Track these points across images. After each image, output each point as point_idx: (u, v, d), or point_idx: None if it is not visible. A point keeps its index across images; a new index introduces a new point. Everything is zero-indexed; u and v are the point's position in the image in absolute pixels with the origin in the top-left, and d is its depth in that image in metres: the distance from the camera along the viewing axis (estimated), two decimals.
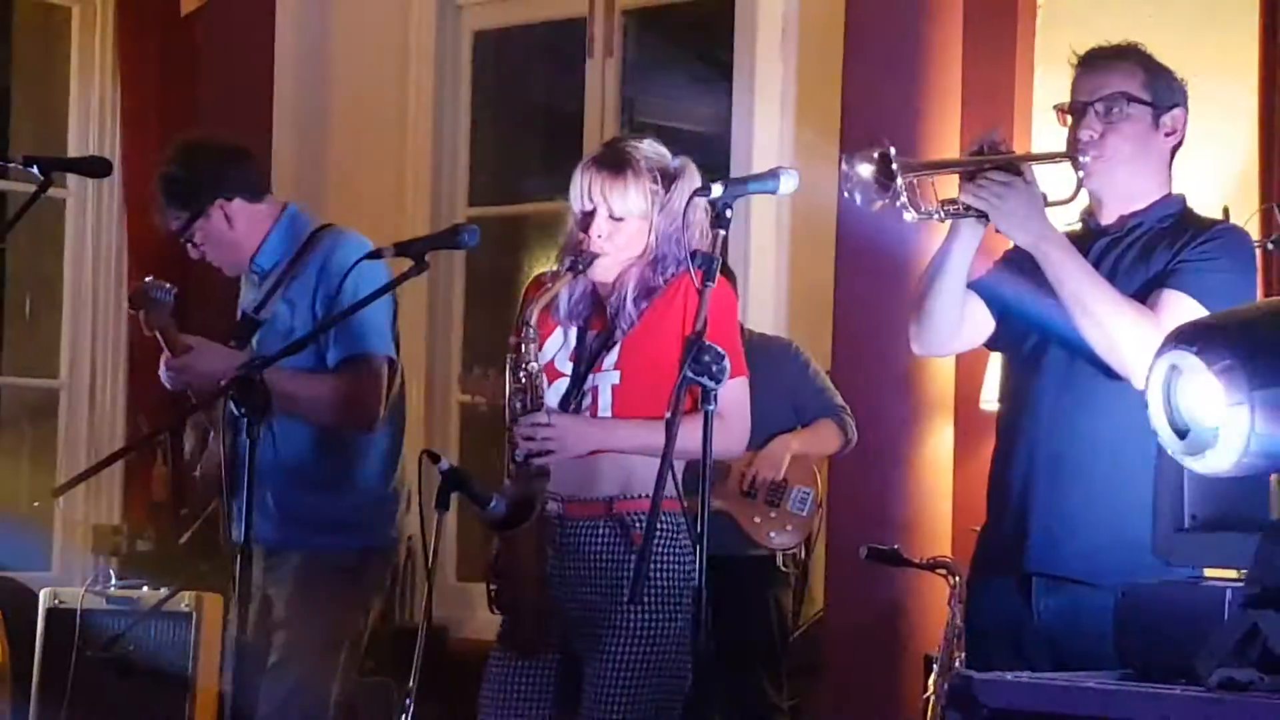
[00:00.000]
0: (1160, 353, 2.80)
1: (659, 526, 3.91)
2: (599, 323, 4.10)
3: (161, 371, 4.72)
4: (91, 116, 8.17)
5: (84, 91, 8.20)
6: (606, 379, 4.03)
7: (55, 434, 8.23)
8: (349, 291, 4.59)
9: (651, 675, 3.94)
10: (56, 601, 6.37)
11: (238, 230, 4.88)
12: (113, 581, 6.47)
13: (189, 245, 4.92)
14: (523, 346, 4.01)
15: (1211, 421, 2.72)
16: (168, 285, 4.75)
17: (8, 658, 6.61)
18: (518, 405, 4.00)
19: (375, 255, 4.69)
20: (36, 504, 8.33)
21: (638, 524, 3.92)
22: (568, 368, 4.08)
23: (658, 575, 3.95)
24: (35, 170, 4.20)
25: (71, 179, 8.02)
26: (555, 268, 4.11)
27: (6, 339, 8.60)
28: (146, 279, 4.81)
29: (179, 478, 8.04)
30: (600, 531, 4.01)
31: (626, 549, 3.97)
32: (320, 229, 4.87)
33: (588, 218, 4.03)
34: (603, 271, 4.06)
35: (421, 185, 8.01)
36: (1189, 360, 2.73)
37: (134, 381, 8.16)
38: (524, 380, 4.01)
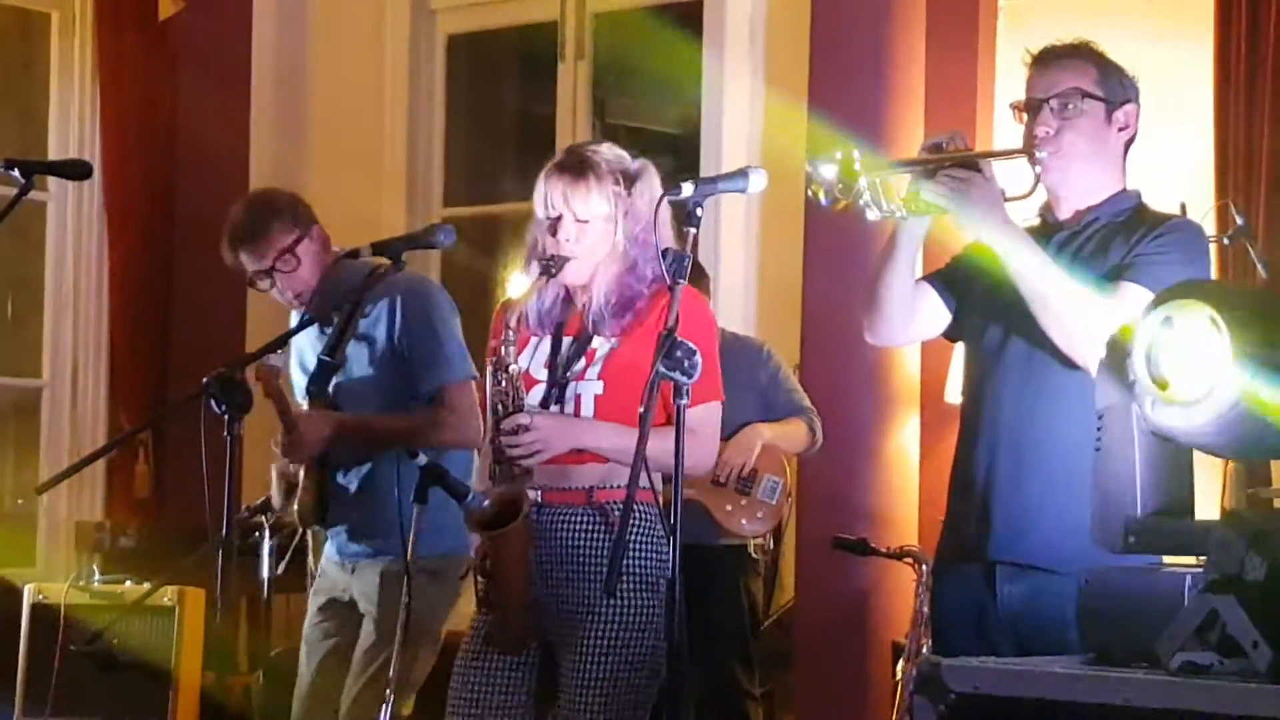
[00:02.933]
0: (1154, 306, 2.83)
1: (634, 517, 3.93)
2: (572, 328, 4.11)
3: (281, 450, 4.84)
4: (71, 120, 8.16)
5: (63, 95, 8.19)
6: (589, 388, 4.03)
7: (38, 432, 8.22)
8: (420, 318, 4.80)
9: (628, 663, 3.94)
10: (40, 597, 6.35)
11: (322, 261, 4.95)
12: (96, 577, 6.45)
13: (278, 275, 4.93)
14: (503, 349, 4.01)
15: (1203, 374, 2.74)
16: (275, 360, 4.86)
17: None
18: (500, 407, 4.01)
19: (353, 255, 4.73)
20: (20, 501, 8.32)
21: (616, 511, 3.93)
22: (543, 374, 4.08)
23: (634, 565, 3.96)
24: (16, 173, 4.19)
25: (52, 182, 8.01)
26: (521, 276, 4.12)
27: None
28: (267, 360, 4.89)
29: (160, 475, 8.04)
30: (579, 518, 4.02)
31: (605, 536, 3.98)
32: (380, 270, 4.87)
33: (555, 223, 4.04)
34: (574, 274, 4.07)
35: (397, 186, 8.02)
36: (1193, 313, 2.76)
37: (115, 380, 8.15)
38: (504, 383, 4.02)
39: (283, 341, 4.59)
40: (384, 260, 4.58)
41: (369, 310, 4.86)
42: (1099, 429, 3.01)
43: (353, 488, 4.93)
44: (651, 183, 4.06)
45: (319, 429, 4.84)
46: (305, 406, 4.92)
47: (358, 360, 4.91)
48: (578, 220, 4.04)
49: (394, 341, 4.87)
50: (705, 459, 4.10)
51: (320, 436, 4.83)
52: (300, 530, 5.17)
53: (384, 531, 4.84)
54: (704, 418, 3.98)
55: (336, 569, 5.03)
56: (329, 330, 4.92)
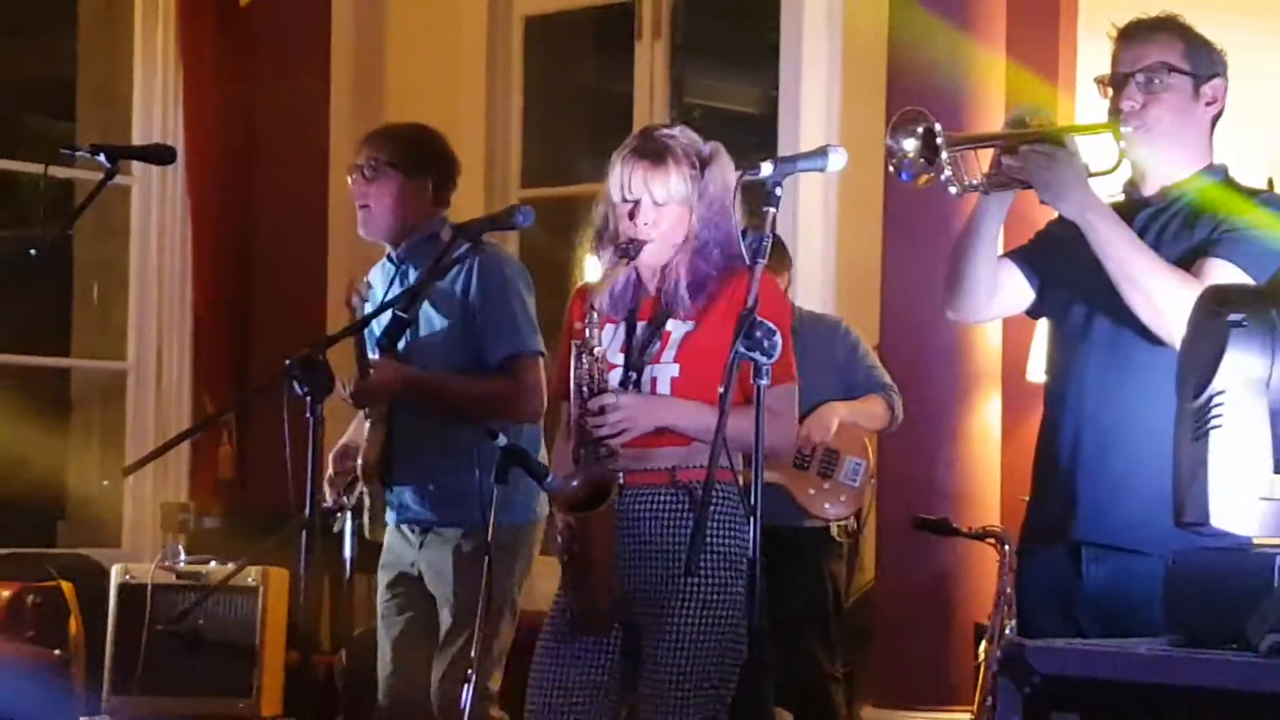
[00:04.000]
0: None
1: (715, 498, 3.91)
2: (647, 312, 4.11)
3: (348, 393, 4.81)
4: (154, 105, 8.20)
5: (147, 80, 8.23)
6: (665, 371, 4.04)
7: (123, 415, 8.27)
8: (496, 284, 4.80)
9: (711, 644, 3.94)
10: (127, 577, 6.41)
11: (409, 207, 4.99)
12: (181, 557, 6.50)
13: (361, 177, 5.00)
14: (588, 332, 4.02)
15: None
16: (372, 284, 4.93)
17: (82, 631, 6.66)
18: (584, 389, 4.02)
19: (432, 236, 4.74)
20: (106, 483, 8.38)
21: (699, 491, 3.92)
22: (619, 359, 4.09)
23: (715, 545, 3.95)
24: (103, 158, 4.21)
25: (137, 166, 8.05)
26: (595, 258, 4.12)
27: (75, 323, 8.65)
28: (364, 279, 4.96)
29: (243, 456, 8.08)
30: (662, 498, 4.02)
31: (687, 517, 3.97)
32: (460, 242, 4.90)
33: (633, 208, 4.04)
34: (651, 257, 4.07)
35: (475, 167, 8.01)
36: None
37: (198, 363, 8.20)
38: (588, 365, 4.03)
39: (379, 311, 4.58)
40: None
41: (447, 271, 4.85)
42: (1215, 405, 2.93)
43: (423, 449, 4.90)
44: (724, 165, 4.08)
45: (391, 377, 4.82)
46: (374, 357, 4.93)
47: (430, 319, 4.92)
48: (656, 204, 4.05)
49: (468, 304, 4.88)
50: (785, 440, 4.11)
51: (390, 386, 4.82)
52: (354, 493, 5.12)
53: (452, 500, 4.85)
54: (781, 398, 3.97)
55: (402, 543, 5.01)
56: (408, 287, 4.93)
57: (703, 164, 4.07)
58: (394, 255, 5.04)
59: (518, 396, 4.85)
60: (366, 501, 5.01)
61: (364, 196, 5.02)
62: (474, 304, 4.87)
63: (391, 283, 5.00)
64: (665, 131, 4.12)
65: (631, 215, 4.05)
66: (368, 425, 4.93)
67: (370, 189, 5.00)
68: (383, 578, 5.06)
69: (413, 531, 4.99)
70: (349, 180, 5.07)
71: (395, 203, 5.00)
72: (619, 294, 4.12)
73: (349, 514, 5.57)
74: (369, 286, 4.97)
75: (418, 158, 5.04)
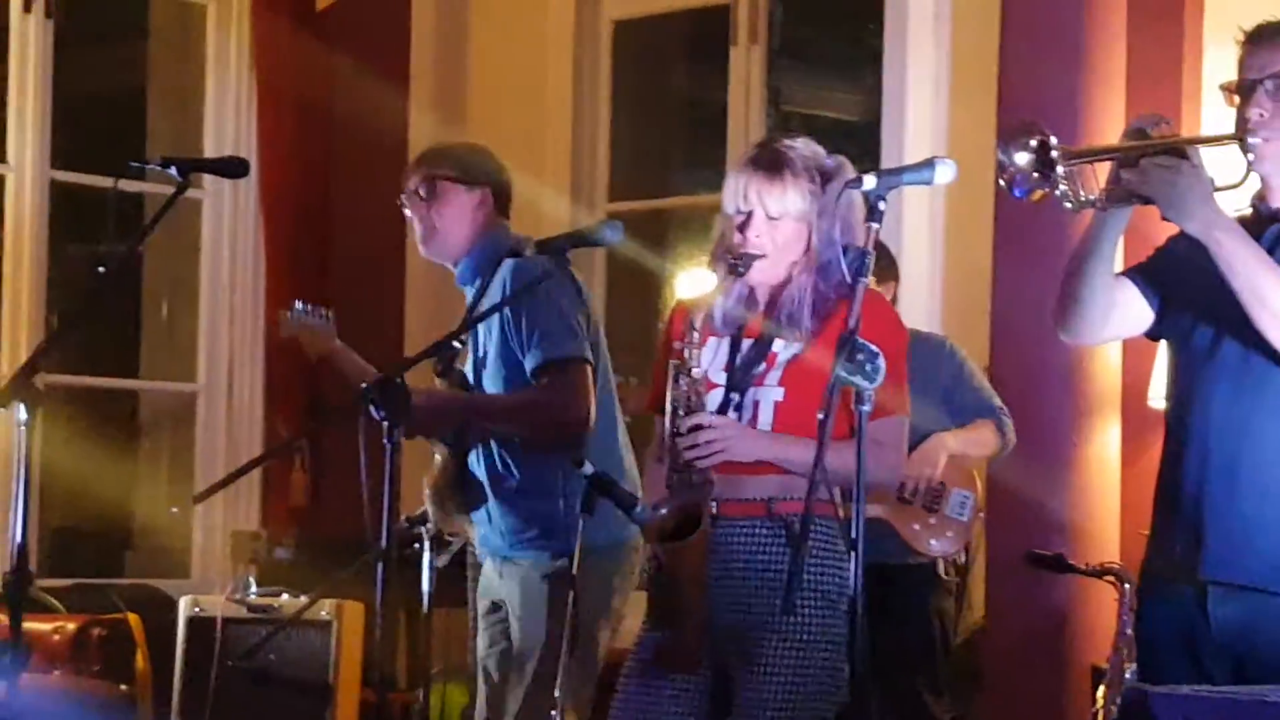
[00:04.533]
0: None
1: (814, 532, 3.89)
2: (754, 330, 4.10)
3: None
4: (227, 113, 8.27)
5: (220, 88, 8.30)
6: (769, 394, 4.03)
7: (193, 439, 8.33)
8: (525, 290, 4.73)
9: (809, 688, 3.92)
10: (197, 610, 6.45)
11: (472, 226, 5.03)
12: (252, 589, 6.53)
13: (417, 200, 5.05)
14: (686, 352, 4.03)
15: None
16: (323, 310, 4.90)
17: (149, 665, 6.71)
18: (679, 410, 4.01)
19: (514, 254, 4.75)
20: (175, 510, 8.44)
21: (798, 524, 3.89)
22: (721, 378, 4.08)
23: (814, 583, 3.94)
24: (173, 171, 4.24)
25: (208, 180, 8.10)
26: (695, 297, 4.11)
27: (144, 343, 8.73)
28: (294, 303, 4.96)
29: (317, 483, 8.12)
30: (758, 531, 4.01)
31: (784, 551, 3.96)
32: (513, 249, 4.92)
33: (745, 220, 4.04)
34: (762, 273, 4.07)
35: (560, 179, 8.03)
36: None
37: (271, 384, 8.25)
38: (685, 385, 4.03)
39: (457, 334, 4.60)
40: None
41: (490, 289, 4.87)
42: None
43: (496, 473, 4.92)
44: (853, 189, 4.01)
45: (420, 404, 4.72)
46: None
47: (486, 339, 4.94)
48: (769, 217, 4.05)
49: (503, 317, 4.88)
50: (891, 475, 4.10)
51: (419, 415, 4.71)
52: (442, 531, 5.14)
53: (529, 527, 4.87)
54: (890, 432, 3.97)
55: (491, 569, 5.04)
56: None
57: (825, 179, 4.06)
58: (459, 276, 5.05)
59: (554, 404, 4.81)
60: (444, 531, 5.03)
61: (424, 219, 5.04)
62: (507, 316, 4.87)
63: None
64: (786, 142, 4.12)
65: (743, 228, 4.05)
66: (437, 456, 4.96)
67: (430, 209, 5.03)
68: (481, 607, 5.08)
69: (494, 561, 5.00)
70: (404, 209, 5.09)
71: (456, 218, 5.02)
72: (730, 309, 4.11)
73: (428, 544, 5.59)
74: (307, 310, 4.99)
75: (474, 168, 5.07)
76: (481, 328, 4.92)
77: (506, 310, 4.83)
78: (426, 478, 5.02)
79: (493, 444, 4.91)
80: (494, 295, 4.82)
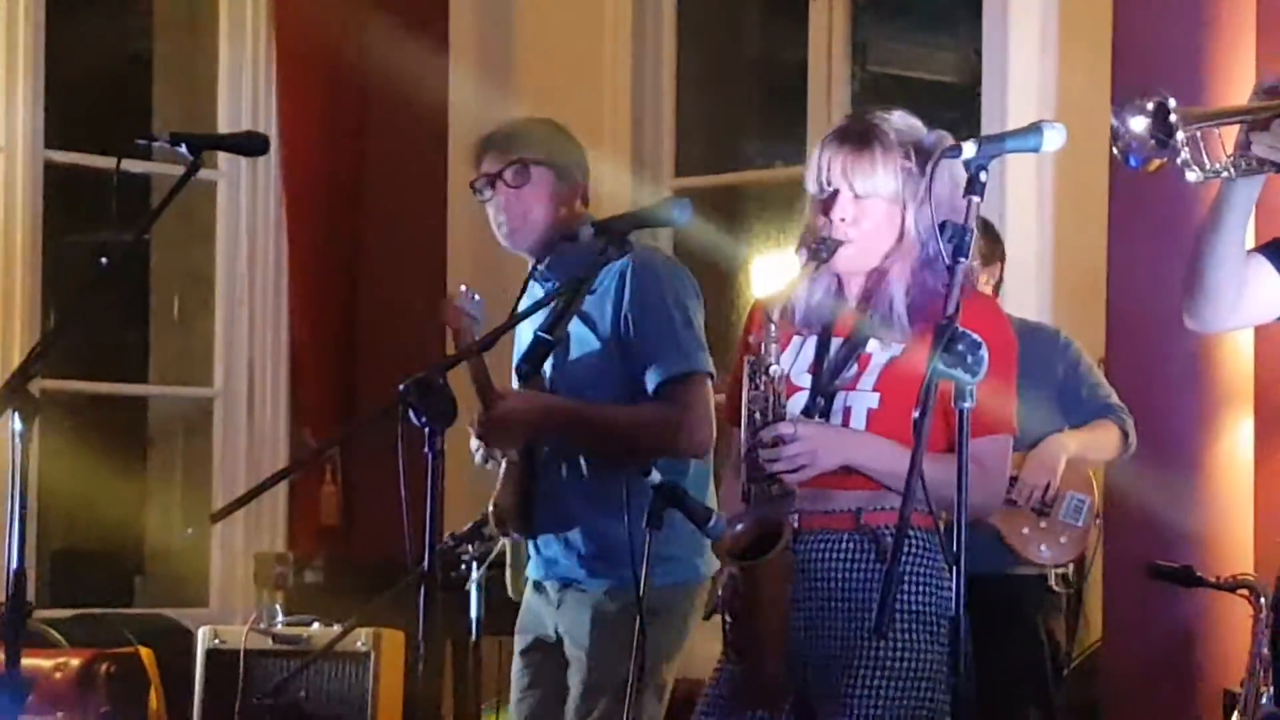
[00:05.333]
0: None
1: (909, 545, 3.91)
2: (844, 328, 4.11)
3: (477, 433, 4.91)
4: (244, 86, 8.30)
5: (234, 57, 8.34)
6: (862, 400, 4.03)
7: (210, 450, 8.38)
8: (654, 294, 4.82)
9: (903, 718, 3.93)
10: (217, 641, 6.50)
11: (556, 213, 5.05)
12: (279, 618, 6.58)
13: (502, 185, 5.07)
14: (764, 347, 4.02)
15: None
16: (478, 297, 4.97)
17: (164, 705, 6.77)
18: (756, 415, 4.02)
19: (569, 237, 4.79)
20: (191, 530, 8.51)
21: (889, 537, 3.92)
22: (806, 381, 4.09)
23: (909, 602, 3.95)
24: (184, 149, 4.27)
25: (223, 158, 8.16)
26: (779, 293, 4.12)
27: (154, 343, 8.79)
28: (462, 288, 4.99)
29: (349, 498, 8.18)
30: (845, 546, 4.02)
31: (875, 568, 3.97)
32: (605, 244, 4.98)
33: (829, 200, 4.05)
34: (848, 261, 4.07)
35: (621, 151, 8.05)
36: None
37: (297, 388, 8.29)
38: (763, 386, 4.02)
39: (512, 324, 4.64)
40: None
41: (598, 284, 4.90)
42: None
43: (569, 490, 4.96)
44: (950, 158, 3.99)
45: (526, 410, 4.89)
46: (515, 387, 4.99)
47: (579, 341, 4.96)
48: (856, 197, 4.04)
49: (620, 320, 4.91)
50: (990, 499, 4.09)
51: (526, 419, 4.88)
52: (497, 544, 5.20)
53: (605, 552, 4.89)
54: (991, 454, 3.96)
55: (540, 601, 5.06)
56: (552, 303, 4.99)
57: (921, 156, 4.05)
58: (539, 269, 5.08)
59: (681, 426, 4.86)
60: (508, 555, 5.07)
61: (509, 206, 5.07)
62: (626, 321, 4.90)
63: (522, 295, 5.06)
64: (878, 114, 4.11)
65: (827, 209, 4.05)
66: (503, 464, 4.99)
67: (517, 196, 5.07)
68: (518, 643, 5.12)
69: (553, 588, 5.04)
70: (479, 195, 5.12)
71: (551, 207, 5.06)
72: (815, 303, 4.12)
73: (475, 565, 5.64)
74: (477, 300, 5.01)
75: (565, 152, 5.11)
76: (574, 325, 4.90)
77: (627, 313, 4.87)
78: (493, 495, 5.05)
79: (580, 456, 4.95)
80: (606, 292, 4.88)
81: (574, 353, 4.96)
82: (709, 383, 4.91)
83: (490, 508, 5.01)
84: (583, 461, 4.94)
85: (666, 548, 4.68)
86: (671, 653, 4.97)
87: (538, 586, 5.07)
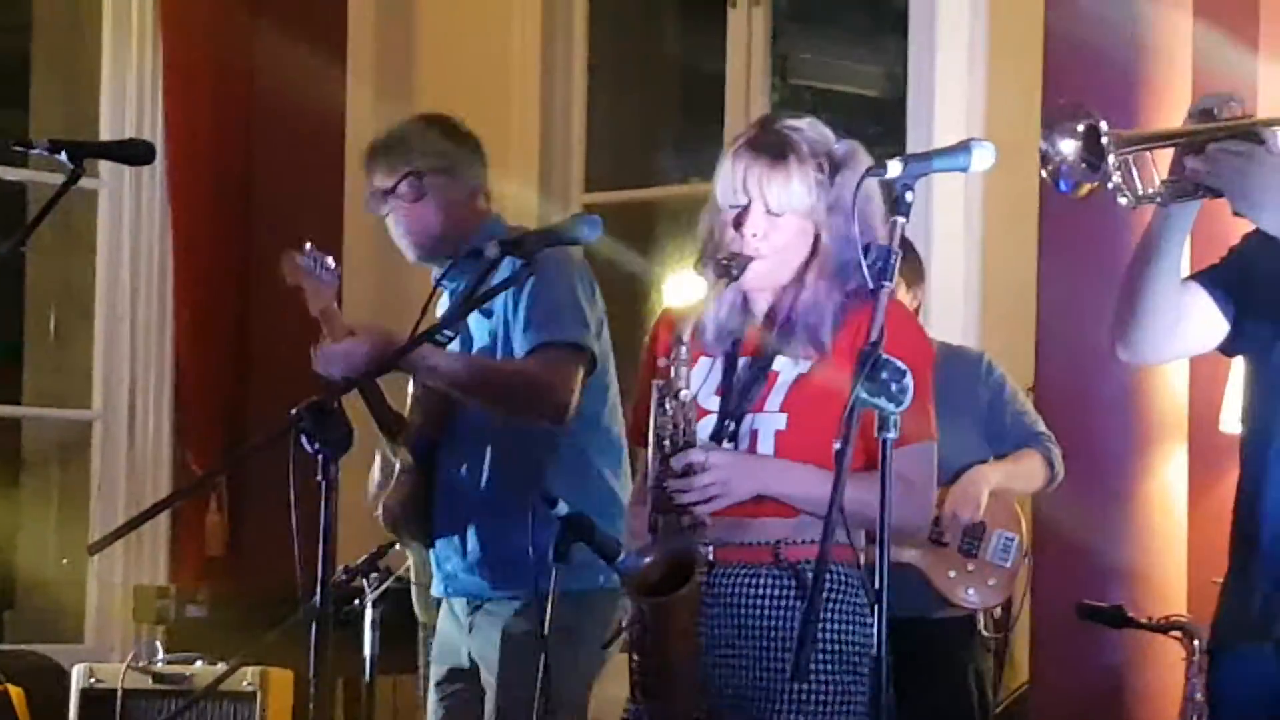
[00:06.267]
0: None
1: (830, 582, 3.94)
2: (750, 346, 4.13)
3: (317, 357, 4.91)
4: (128, 91, 8.29)
5: (118, 61, 8.32)
6: (769, 422, 4.05)
7: (88, 476, 8.34)
8: (548, 278, 4.83)
9: None
10: (93, 680, 6.47)
11: (458, 217, 5.13)
12: (159, 655, 6.56)
13: (396, 200, 5.11)
14: (673, 370, 4.03)
15: None
16: (330, 260, 5.03)
17: None
18: (665, 442, 4.03)
19: (474, 254, 4.81)
20: (66, 562, 8.46)
21: (809, 573, 3.93)
22: (714, 404, 4.11)
23: (830, 641, 3.97)
24: (63, 157, 4.27)
25: (105, 167, 8.13)
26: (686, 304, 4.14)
27: (29, 362, 8.73)
28: (305, 246, 5.05)
29: (236, 529, 8.15)
30: (763, 581, 4.04)
31: (794, 604, 3.99)
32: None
33: (741, 214, 4.07)
34: (758, 278, 4.09)
35: (528, 165, 8.07)
36: None
37: (181, 412, 8.26)
38: (672, 411, 4.03)
39: (445, 326, 4.66)
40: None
41: (498, 280, 4.92)
42: None
43: (467, 494, 4.97)
44: (861, 169, 4.00)
45: (367, 341, 4.85)
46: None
47: (478, 332, 5.03)
48: (769, 212, 4.06)
49: (505, 301, 4.94)
50: (918, 515, 4.11)
51: (364, 351, 4.82)
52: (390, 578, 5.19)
53: (506, 563, 4.90)
54: (916, 464, 3.99)
55: (453, 626, 5.08)
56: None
57: (834, 167, 4.09)
58: (445, 279, 5.10)
59: (539, 384, 4.87)
60: (412, 573, 5.07)
61: (409, 222, 5.12)
62: (516, 302, 4.95)
63: (430, 302, 5.09)
64: (789, 123, 4.13)
65: (738, 224, 4.07)
66: (397, 469, 5.00)
67: (414, 210, 5.10)
68: (433, 675, 5.13)
69: (463, 610, 5.05)
70: (376, 210, 5.15)
71: (451, 214, 5.11)
72: (722, 322, 4.14)
73: (371, 599, 5.64)
74: (329, 264, 5.02)
75: (458, 155, 5.17)
76: (474, 319, 4.98)
77: (510, 293, 4.88)
78: (384, 496, 5.04)
79: (486, 453, 4.97)
80: (507, 299, 4.92)
81: (473, 344, 5.04)
82: (581, 357, 4.93)
83: (379, 510, 5.01)
84: (484, 466, 4.96)
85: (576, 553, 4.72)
86: (589, 669, 4.99)
87: (450, 610, 5.07)
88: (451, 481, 4.99)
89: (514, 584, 4.87)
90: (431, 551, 5.08)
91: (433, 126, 5.24)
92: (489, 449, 5.01)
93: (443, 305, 5.15)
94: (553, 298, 4.92)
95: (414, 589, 5.27)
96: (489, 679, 4.98)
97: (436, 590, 5.08)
